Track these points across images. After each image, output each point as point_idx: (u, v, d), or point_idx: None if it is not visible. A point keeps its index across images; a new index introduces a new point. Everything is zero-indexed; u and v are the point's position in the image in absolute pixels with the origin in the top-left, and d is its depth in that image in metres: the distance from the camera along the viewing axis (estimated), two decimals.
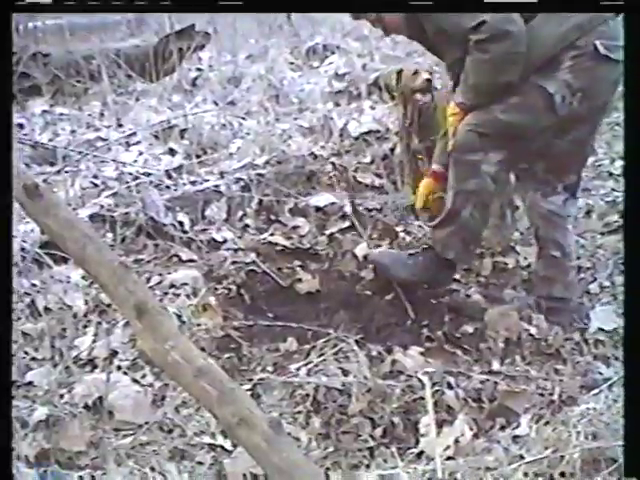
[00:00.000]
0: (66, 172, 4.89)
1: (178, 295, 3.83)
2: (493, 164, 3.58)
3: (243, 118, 6.19)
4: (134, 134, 5.72)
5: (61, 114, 6.20)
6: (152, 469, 2.71)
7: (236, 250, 4.34)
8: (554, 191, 3.73)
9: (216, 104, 6.37)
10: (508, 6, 3.21)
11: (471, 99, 3.57)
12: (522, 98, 3.48)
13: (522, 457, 2.76)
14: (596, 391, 3.14)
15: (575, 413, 2.90)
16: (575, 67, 3.41)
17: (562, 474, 2.63)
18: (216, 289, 3.96)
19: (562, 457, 2.65)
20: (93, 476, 2.65)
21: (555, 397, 3.16)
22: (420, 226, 4.61)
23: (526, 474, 2.66)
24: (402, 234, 4.52)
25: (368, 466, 2.91)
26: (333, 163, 5.35)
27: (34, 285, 3.81)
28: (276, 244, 4.45)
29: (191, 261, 4.20)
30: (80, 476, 2.64)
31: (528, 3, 3.17)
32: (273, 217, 4.73)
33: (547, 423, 2.97)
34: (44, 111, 6.24)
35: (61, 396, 3.13)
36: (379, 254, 4.09)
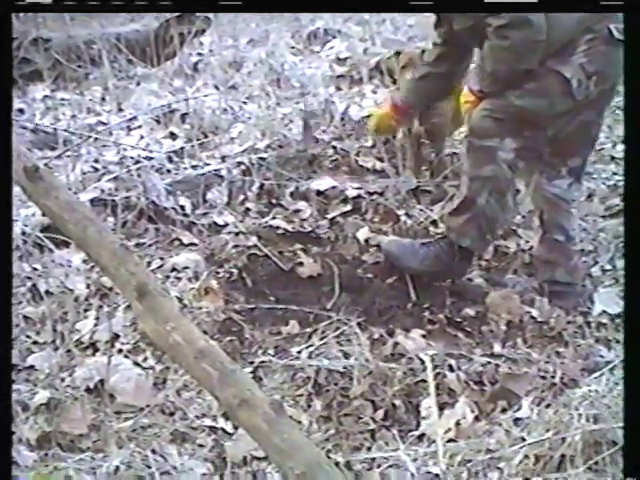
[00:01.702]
0: (67, 156, 4.87)
1: (179, 279, 3.83)
2: (509, 151, 3.56)
3: (244, 102, 6.19)
4: (135, 118, 5.72)
5: (62, 99, 6.18)
6: (153, 452, 2.71)
7: (237, 234, 4.32)
8: (559, 175, 3.73)
9: (217, 88, 6.36)
10: (508, 6, 3.21)
11: (489, 86, 3.57)
12: (538, 83, 3.47)
13: (523, 439, 2.76)
14: (597, 374, 3.13)
15: (576, 396, 2.88)
16: (590, 51, 3.39)
17: (563, 456, 2.63)
18: (217, 273, 3.96)
19: (563, 439, 2.64)
20: (94, 458, 2.64)
21: (556, 380, 3.16)
22: (422, 210, 4.60)
23: (527, 456, 2.66)
24: (404, 218, 4.49)
25: (369, 448, 2.92)
26: (334, 147, 5.34)
27: (35, 269, 3.81)
28: (277, 228, 4.44)
29: (192, 245, 4.20)
30: (81, 459, 2.64)
31: (528, 3, 3.17)
32: (274, 201, 4.73)
33: (548, 406, 2.97)
34: (45, 96, 6.23)
35: (62, 379, 3.13)
36: (389, 243, 4.03)
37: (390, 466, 2.76)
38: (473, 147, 3.62)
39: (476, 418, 3.03)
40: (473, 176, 3.62)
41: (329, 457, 2.76)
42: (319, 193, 4.76)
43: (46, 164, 4.63)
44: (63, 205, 2.16)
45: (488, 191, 3.59)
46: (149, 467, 2.62)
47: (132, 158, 4.93)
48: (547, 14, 3.32)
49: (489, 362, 3.28)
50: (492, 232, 3.77)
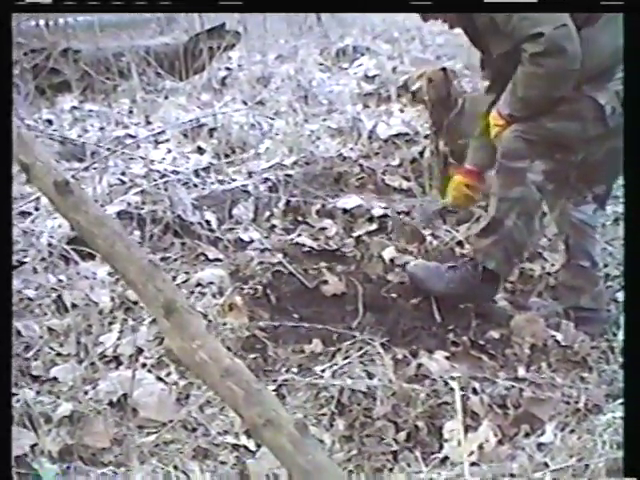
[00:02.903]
0: (94, 169, 4.89)
1: (204, 294, 3.83)
2: (539, 173, 3.54)
3: (272, 118, 6.20)
4: (163, 132, 5.74)
5: (90, 110, 6.23)
6: (175, 468, 2.71)
7: (263, 250, 4.34)
8: (584, 200, 3.72)
9: (245, 104, 6.39)
10: (508, 6, 3.19)
11: (519, 111, 3.54)
12: (571, 107, 3.45)
13: (547, 465, 2.74)
14: (621, 400, 3.10)
15: (601, 422, 2.87)
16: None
17: None
18: (242, 289, 3.96)
19: (587, 466, 2.63)
20: (116, 473, 2.64)
21: (580, 405, 3.13)
22: (448, 231, 4.60)
23: None
24: (429, 238, 4.49)
25: (391, 469, 2.90)
26: (361, 165, 5.36)
27: (60, 281, 3.83)
28: (303, 245, 4.45)
29: (217, 260, 4.21)
30: (103, 473, 2.64)
31: (528, 3, 3.15)
32: (300, 218, 4.74)
33: (572, 431, 2.94)
34: (73, 107, 6.28)
35: (85, 392, 3.13)
36: (415, 267, 4.00)
37: None
38: (503, 168, 3.60)
39: (499, 442, 3.00)
40: (502, 197, 3.60)
41: (351, 478, 2.76)
42: (345, 211, 4.76)
43: (73, 176, 4.68)
44: (92, 220, 2.16)
45: (516, 213, 3.57)
46: None
47: (159, 172, 4.95)
48: (584, 38, 3.32)
49: (513, 386, 3.25)
50: (519, 255, 3.76)
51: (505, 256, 3.67)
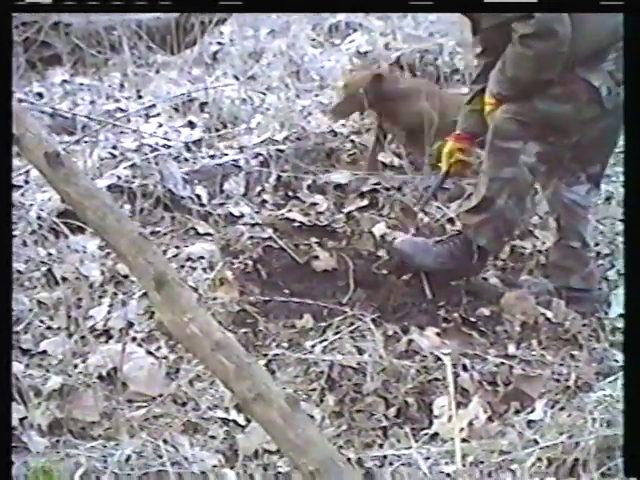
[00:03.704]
0: (85, 142, 4.86)
1: (194, 268, 3.82)
2: (532, 154, 3.54)
3: (263, 93, 6.15)
4: (154, 106, 5.69)
5: (81, 84, 6.15)
6: (165, 441, 2.69)
7: (253, 225, 4.32)
8: (578, 181, 3.71)
9: (237, 78, 6.33)
10: (508, 6, 3.18)
11: (507, 90, 3.53)
12: (565, 89, 3.44)
13: (536, 442, 2.74)
14: (612, 378, 3.11)
15: (591, 400, 2.87)
16: (619, 58, 3.32)
17: (576, 460, 2.62)
18: (232, 263, 3.95)
19: (577, 443, 2.63)
20: (105, 446, 2.63)
21: (571, 383, 3.14)
22: (439, 207, 4.58)
23: (540, 459, 2.64)
24: (421, 214, 4.47)
25: (381, 446, 2.90)
26: (353, 141, 5.32)
27: (50, 254, 3.80)
28: (293, 220, 4.43)
29: (208, 235, 4.19)
30: (92, 447, 2.63)
31: (528, 3, 3.15)
32: (291, 193, 4.71)
33: (562, 409, 2.95)
34: (64, 81, 6.19)
35: (75, 366, 3.12)
36: (402, 242, 3.97)
37: (402, 464, 2.74)
38: (495, 148, 3.59)
39: (489, 419, 3.01)
40: (493, 177, 3.60)
41: (341, 453, 2.76)
42: (336, 187, 4.74)
43: (64, 149, 4.65)
44: (83, 192, 2.14)
45: (507, 193, 3.57)
46: (160, 457, 2.61)
47: (150, 146, 4.91)
48: (577, 20, 3.29)
49: (503, 363, 3.25)
50: (509, 234, 3.78)
51: (495, 234, 3.67)
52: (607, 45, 3.36)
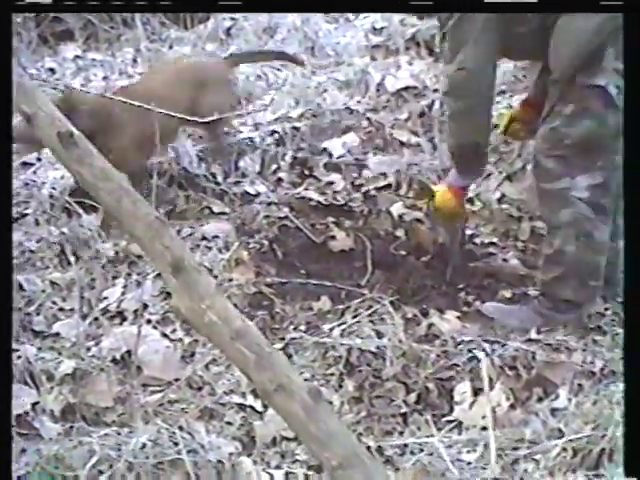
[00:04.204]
0: None
1: (210, 248, 3.76)
2: (583, 189, 3.26)
3: (278, 69, 6.06)
4: None
5: (93, 60, 6.07)
6: (180, 428, 2.63)
7: (269, 204, 4.25)
8: None
9: None
10: (508, 6, 3.08)
11: None
12: (576, 105, 3.19)
13: (560, 431, 2.68)
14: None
15: (618, 389, 2.78)
16: (619, 51, 3.05)
17: (602, 451, 2.55)
18: (248, 243, 3.89)
19: (604, 434, 2.56)
20: (119, 434, 2.57)
21: (596, 370, 3.05)
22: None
23: (565, 449, 2.57)
24: None
25: (401, 433, 2.83)
26: (369, 119, 5.23)
27: (63, 233, 3.73)
28: (310, 199, 4.36)
29: (223, 214, 4.13)
30: (106, 434, 2.56)
31: (528, 3, 3.04)
32: (307, 172, 4.63)
33: (587, 397, 2.86)
34: (76, 56, 6.11)
35: (88, 349, 3.06)
36: (487, 308, 3.56)
37: (423, 452, 2.68)
38: (543, 192, 3.37)
39: (511, 406, 2.92)
40: (552, 225, 3.39)
41: (360, 441, 2.69)
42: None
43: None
44: (97, 173, 2.07)
45: (574, 237, 3.32)
46: (176, 444, 2.54)
47: None
48: (558, 27, 3.15)
49: (525, 348, 3.16)
50: (594, 277, 3.40)
51: (579, 282, 3.37)
52: (600, 43, 3.12)
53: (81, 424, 2.66)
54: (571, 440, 2.60)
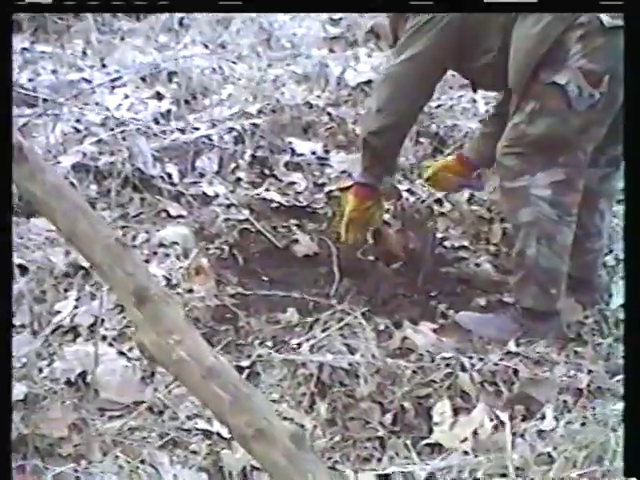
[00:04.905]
0: (46, 115, 4.55)
1: (167, 255, 3.55)
2: (545, 186, 3.12)
3: (234, 62, 5.86)
4: (119, 76, 5.39)
5: (42, 52, 5.82)
6: (142, 462, 2.42)
7: (228, 206, 4.06)
8: (595, 164, 3.29)
9: (206, 46, 6.04)
10: (508, 6, 2.97)
11: None
12: (539, 102, 3.07)
13: (550, 456, 2.51)
14: (620, 377, 2.86)
15: (608, 408, 2.62)
16: (587, 49, 2.96)
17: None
18: (207, 249, 3.70)
19: (600, 460, 2.39)
20: (77, 470, 2.35)
21: (582, 386, 2.88)
22: (424, 186, 4.33)
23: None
24: (405, 194, 4.20)
25: (380, 460, 2.64)
26: (330, 114, 5.06)
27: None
28: (271, 201, 4.18)
29: (180, 217, 3.93)
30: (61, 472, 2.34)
31: (528, 3, 2.93)
32: (267, 171, 4.45)
33: (576, 417, 2.70)
34: (24, 49, 5.85)
35: (40, 370, 2.83)
36: (461, 317, 3.40)
37: (403, 478, 2.50)
38: (504, 191, 3.25)
39: (495, 427, 2.75)
40: (514, 224, 3.27)
41: (335, 469, 2.52)
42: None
43: (25, 124, 4.35)
44: (50, 190, 1.85)
45: (535, 238, 3.17)
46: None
47: (116, 119, 4.62)
48: (515, 40, 3.12)
49: (505, 364, 2.99)
50: (555, 284, 3.24)
51: (540, 290, 3.23)
52: (561, 41, 2.99)
53: (34, 462, 2.42)
54: (564, 465, 2.44)
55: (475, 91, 3.77)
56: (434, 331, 3.22)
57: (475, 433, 2.71)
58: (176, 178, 4.22)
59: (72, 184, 3.87)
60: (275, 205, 4.16)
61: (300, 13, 6.57)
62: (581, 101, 2.99)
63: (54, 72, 5.44)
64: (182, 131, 4.63)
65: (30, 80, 5.18)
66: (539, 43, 3.01)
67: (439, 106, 5.08)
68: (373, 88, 3.54)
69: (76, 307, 3.18)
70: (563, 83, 2.99)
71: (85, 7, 3.20)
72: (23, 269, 3.34)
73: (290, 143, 4.64)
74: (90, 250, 1.83)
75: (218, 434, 2.61)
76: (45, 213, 1.89)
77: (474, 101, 5.20)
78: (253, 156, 4.50)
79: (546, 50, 3.00)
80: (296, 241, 3.89)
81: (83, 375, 2.80)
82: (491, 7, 2.94)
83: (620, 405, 2.58)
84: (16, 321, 3.10)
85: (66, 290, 3.29)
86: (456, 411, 2.82)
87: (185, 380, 1.79)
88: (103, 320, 3.05)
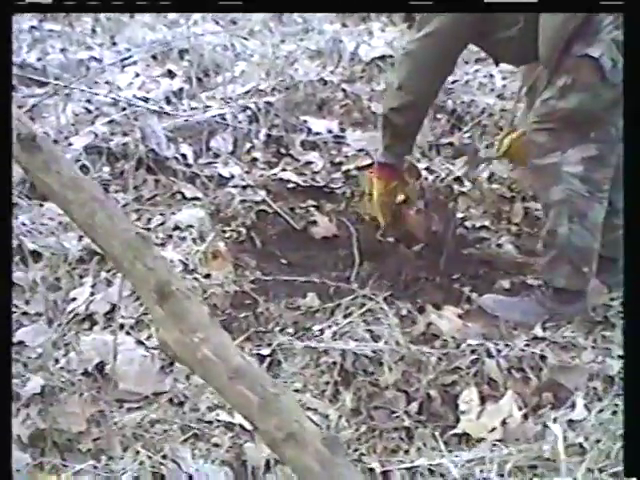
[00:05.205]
0: (56, 94, 4.45)
1: (183, 239, 3.47)
2: (577, 163, 3.04)
3: (245, 39, 5.77)
4: (130, 55, 5.30)
5: (50, 30, 5.73)
6: (164, 457, 2.35)
7: (244, 187, 3.98)
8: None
9: (217, 23, 5.94)
10: (508, 6, 2.91)
11: None
12: (572, 76, 2.97)
13: (581, 447, 2.43)
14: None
15: None
16: (619, 20, 2.84)
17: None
18: (224, 231, 3.63)
19: None
20: (96, 467, 2.28)
21: (613, 373, 2.79)
22: (443, 164, 4.24)
23: (590, 470, 2.32)
24: (425, 172, 4.10)
25: (407, 451, 2.56)
26: (344, 90, 4.96)
27: (24, 224, 3.42)
28: (288, 181, 4.09)
29: (196, 199, 3.85)
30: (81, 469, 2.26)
31: (528, 3, 2.87)
32: (283, 150, 4.36)
33: (607, 405, 2.62)
34: (32, 27, 5.76)
35: (56, 360, 2.75)
36: (485, 300, 3.32)
37: (431, 471, 2.43)
38: (535, 168, 3.17)
39: (524, 416, 2.67)
40: (545, 203, 3.18)
41: (363, 462, 2.44)
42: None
43: (35, 105, 4.27)
44: (66, 182, 1.77)
45: (567, 217, 3.09)
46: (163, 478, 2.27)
47: (127, 99, 4.54)
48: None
49: (533, 350, 2.91)
50: (588, 263, 3.17)
51: (573, 269, 3.15)
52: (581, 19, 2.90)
53: (53, 454, 2.35)
54: (596, 456, 2.36)
55: (497, 65, 3.66)
56: (459, 316, 3.13)
57: (504, 422, 2.63)
58: (190, 159, 4.14)
59: (85, 166, 3.80)
60: (292, 186, 4.08)
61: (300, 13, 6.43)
62: (615, 73, 2.88)
63: (63, 51, 5.35)
64: (195, 110, 4.54)
65: (39, 59, 5.10)
66: (570, 16, 2.90)
67: (455, 81, 4.99)
68: (394, 64, 3.42)
69: (92, 294, 3.10)
70: (597, 55, 2.89)
71: (85, 7, 3.16)
72: (37, 255, 3.27)
73: (305, 122, 4.57)
74: (108, 244, 1.75)
75: (240, 426, 2.53)
76: (61, 205, 1.80)
77: (491, 76, 5.10)
78: (268, 135, 4.42)
79: (578, 23, 2.90)
80: (314, 222, 3.82)
81: (101, 365, 2.73)
82: (491, 7, 2.90)
83: None
84: (30, 310, 3.04)
85: (81, 277, 3.21)
86: (483, 399, 2.75)
87: (211, 381, 1.71)
88: (119, 307, 2.97)
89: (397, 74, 3.40)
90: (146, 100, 4.61)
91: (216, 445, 2.49)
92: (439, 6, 2.96)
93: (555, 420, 2.60)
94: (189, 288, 1.73)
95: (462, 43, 3.35)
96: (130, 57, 5.27)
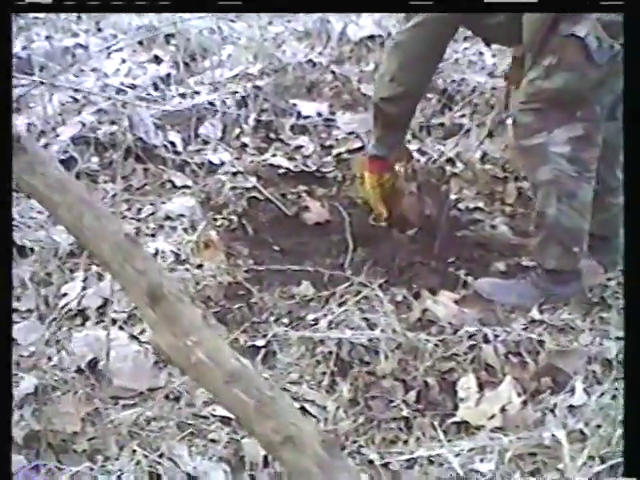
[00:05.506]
0: (43, 84, 4.40)
1: (174, 229, 3.44)
2: (563, 143, 3.01)
3: (232, 21, 5.72)
4: (115, 40, 5.26)
5: (35, 17, 5.67)
6: (161, 455, 2.31)
7: (234, 174, 3.94)
8: (613, 116, 3.14)
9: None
10: (508, 6, 2.87)
11: None
12: (558, 55, 2.93)
13: (582, 433, 2.41)
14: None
15: None
16: None
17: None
18: (215, 220, 3.59)
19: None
20: (92, 469, 2.25)
21: (611, 356, 2.77)
22: (434, 145, 4.21)
23: (592, 457, 2.30)
24: (416, 154, 4.06)
25: (406, 442, 2.53)
26: (334, 72, 4.92)
27: (12, 218, 3.37)
28: (278, 166, 4.06)
29: (186, 187, 3.82)
30: (78, 471, 2.23)
31: (528, 3, 2.82)
32: (273, 135, 4.32)
33: (608, 391, 2.59)
34: (16, 15, 5.69)
35: (49, 358, 2.71)
36: (481, 283, 3.29)
37: (430, 462, 2.40)
38: (522, 149, 3.14)
39: (524, 403, 2.64)
40: (533, 183, 3.17)
41: (361, 454, 2.42)
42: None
43: (21, 95, 4.22)
44: (52, 184, 1.72)
45: (555, 197, 3.06)
46: (159, 477, 2.24)
47: (114, 86, 4.49)
48: None
49: (529, 334, 2.88)
50: (578, 243, 3.15)
51: (563, 250, 3.15)
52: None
53: (47, 463, 2.31)
54: (598, 443, 2.34)
55: (489, 46, 3.62)
56: (455, 302, 3.10)
57: (503, 409, 2.61)
58: (179, 146, 4.11)
59: (73, 158, 3.76)
60: (283, 171, 4.05)
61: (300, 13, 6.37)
62: (601, 53, 2.86)
63: (48, 38, 5.29)
64: (182, 96, 4.50)
65: (24, 48, 5.02)
66: None
67: (444, 60, 4.94)
68: (384, 54, 3.39)
69: (84, 288, 3.06)
70: (582, 35, 2.85)
71: (85, 7, 3.15)
72: (26, 250, 3.23)
73: (295, 105, 4.53)
74: (97, 247, 1.71)
75: (237, 420, 2.50)
76: (48, 208, 1.76)
77: (481, 54, 5.07)
78: (257, 120, 4.38)
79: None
80: (306, 208, 3.79)
81: (94, 362, 2.69)
82: (491, 7, 2.87)
83: None
84: (21, 306, 3.00)
85: (72, 271, 3.17)
86: (481, 386, 2.72)
87: (206, 384, 1.68)
88: (112, 302, 2.94)
89: (388, 66, 3.35)
90: (133, 87, 4.56)
91: (213, 441, 2.45)
92: (439, 6, 2.91)
93: (555, 406, 2.57)
94: (181, 290, 1.69)
95: (452, 29, 3.31)
96: (116, 43, 5.21)
